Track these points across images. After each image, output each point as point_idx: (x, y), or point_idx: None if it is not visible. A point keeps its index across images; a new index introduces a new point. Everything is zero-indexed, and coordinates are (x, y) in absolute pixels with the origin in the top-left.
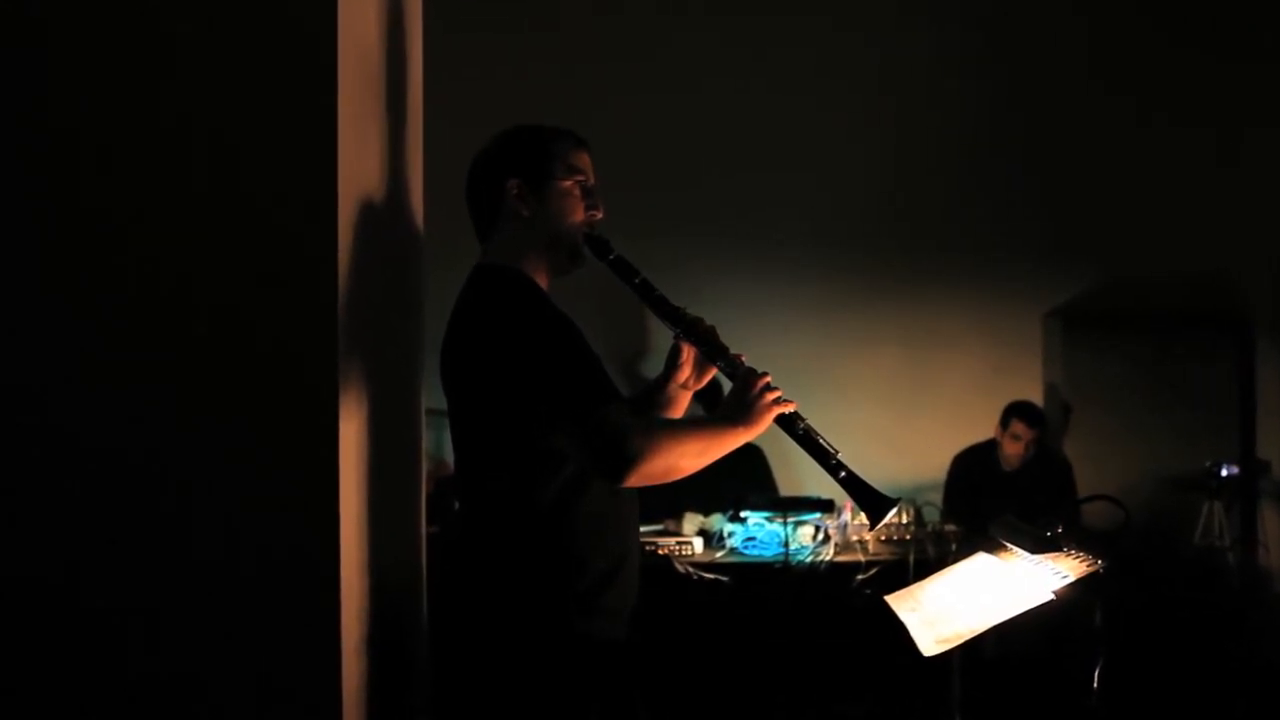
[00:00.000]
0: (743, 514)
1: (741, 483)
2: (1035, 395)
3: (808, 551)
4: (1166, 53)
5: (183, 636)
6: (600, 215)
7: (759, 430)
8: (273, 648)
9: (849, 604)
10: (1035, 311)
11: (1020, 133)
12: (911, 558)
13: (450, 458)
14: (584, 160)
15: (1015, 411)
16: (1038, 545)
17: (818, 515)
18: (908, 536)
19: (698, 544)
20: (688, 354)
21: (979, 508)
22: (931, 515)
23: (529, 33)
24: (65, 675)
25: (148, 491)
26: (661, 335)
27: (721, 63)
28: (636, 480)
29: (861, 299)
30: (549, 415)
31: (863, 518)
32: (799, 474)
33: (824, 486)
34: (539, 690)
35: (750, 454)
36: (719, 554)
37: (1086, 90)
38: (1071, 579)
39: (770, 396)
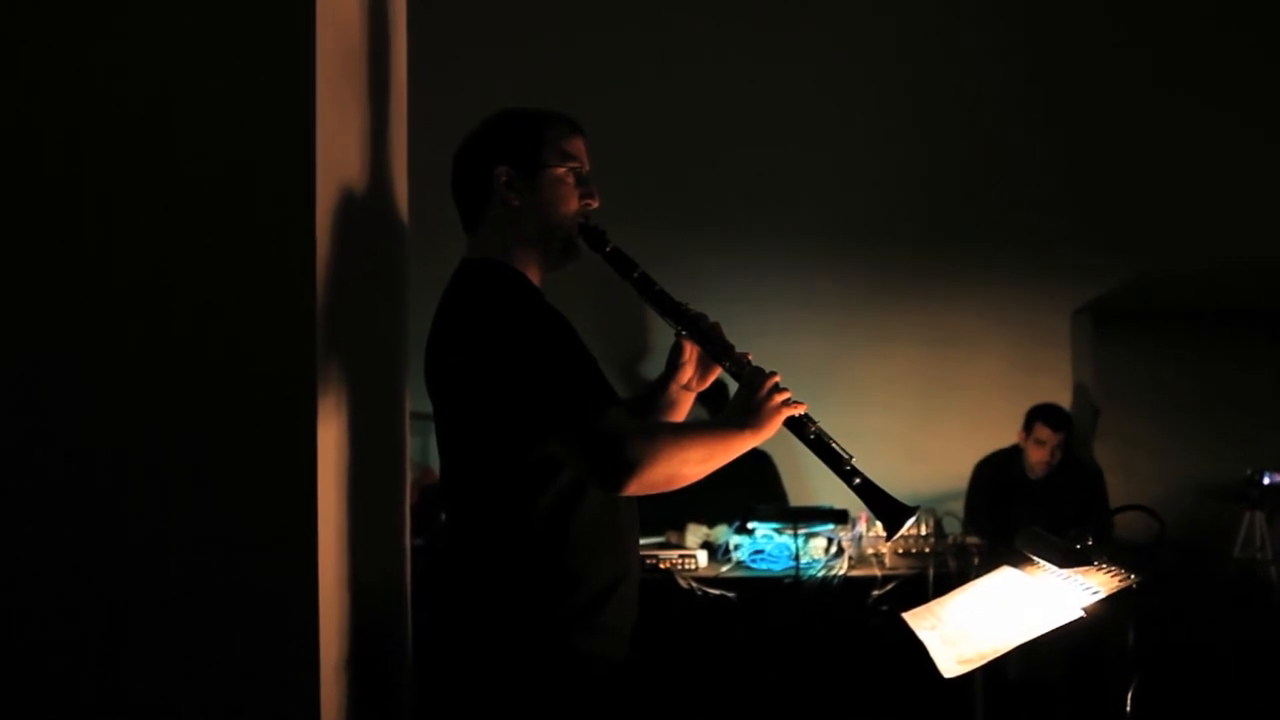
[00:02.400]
0: (750, 525)
1: (749, 491)
2: (1063, 397)
3: (820, 565)
4: (1205, 32)
5: (151, 655)
6: (596, 204)
7: (767, 434)
8: (248, 666)
9: (864, 622)
10: (1064, 307)
11: (1049, 117)
12: (931, 572)
13: (437, 465)
14: (578, 146)
15: (1038, 415)
16: (1066, 558)
17: (830, 526)
18: (927, 549)
19: (702, 557)
20: (690, 353)
21: (1003, 518)
22: (952, 526)
23: (521, 9)
24: (30, 694)
25: (112, 500)
26: (662, 333)
27: (729, 39)
28: (636, 489)
29: (877, 294)
30: (542, 420)
31: (879, 529)
32: (810, 482)
33: (837, 495)
34: (532, 713)
35: (758, 460)
36: (724, 568)
37: (1121, 71)
38: (1102, 595)
39: (779, 398)
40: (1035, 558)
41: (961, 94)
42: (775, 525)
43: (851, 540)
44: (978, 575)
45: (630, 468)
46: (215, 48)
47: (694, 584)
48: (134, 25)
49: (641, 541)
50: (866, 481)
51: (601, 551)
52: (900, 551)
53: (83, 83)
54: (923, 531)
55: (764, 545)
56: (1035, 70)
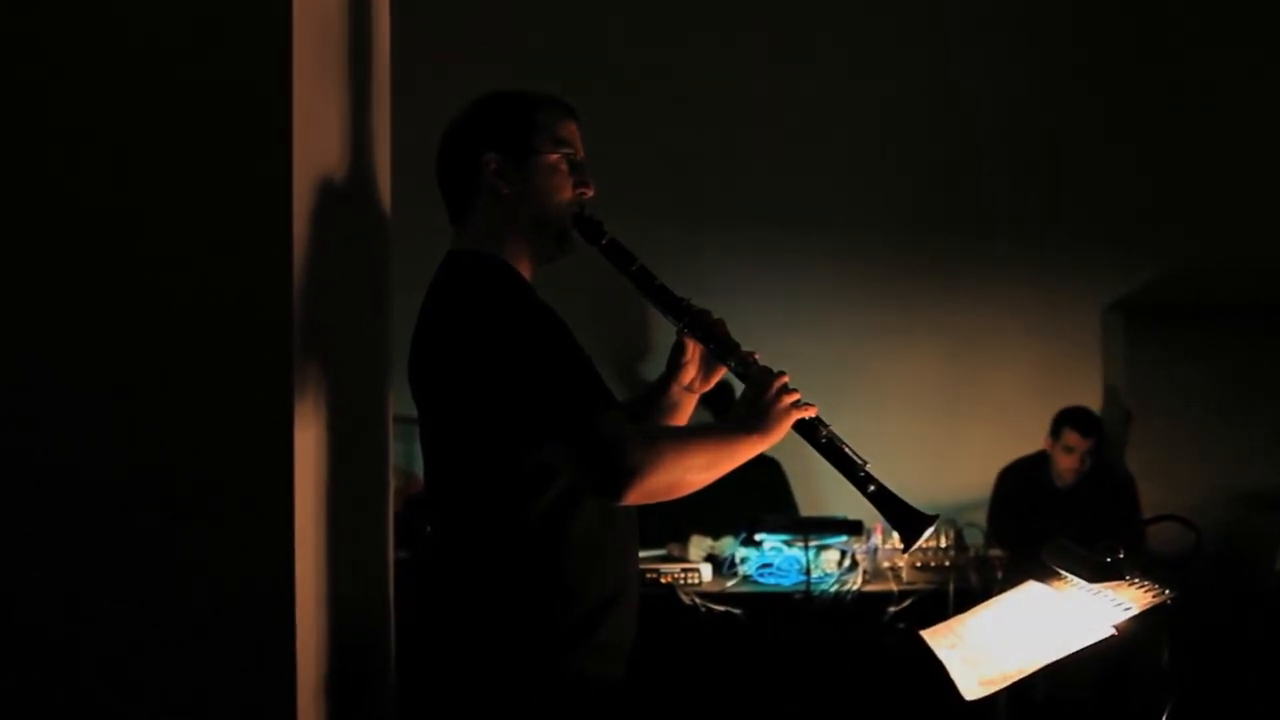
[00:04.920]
0: (758, 537)
1: (756, 500)
2: (1094, 400)
3: (832, 580)
4: (1248, 8)
5: (118, 673)
6: (591, 193)
7: (775, 438)
8: (220, 686)
9: (880, 640)
10: (1094, 305)
11: (1077, 100)
12: (951, 587)
13: (422, 471)
14: (572, 131)
15: (1066, 419)
16: (1096, 572)
17: (844, 538)
18: (947, 562)
19: (706, 571)
20: (693, 352)
21: (1029, 529)
22: (974, 537)
23: None
24: None
25: (77, 509)
26: (663, 332)
27: (734, 15)
28: (636, 497)
29: (895, 290)
30: (534, 424)
31: (895, 540)
32: (822, 490)
33: (851, 505)
34: None
35: (766, 467)
36: (730, 583)
37: (1154, 48)
38: (1135, 611)
39: (788, 399)
40: (1063, 571)
41: (984, 82)
42: (784, 537)
43: (866, 553)
44: (1001, 590)
45: (629, 475)
46: (187, 30)
47: (697, 600)
48: (105, 8)
49: (641, 554)
50: (882, 489)
51: (598, 564)
52: (918, 565)
53: (49, 69)
54: (943, 543)
55: (772, 558)
56: (1062, 56)
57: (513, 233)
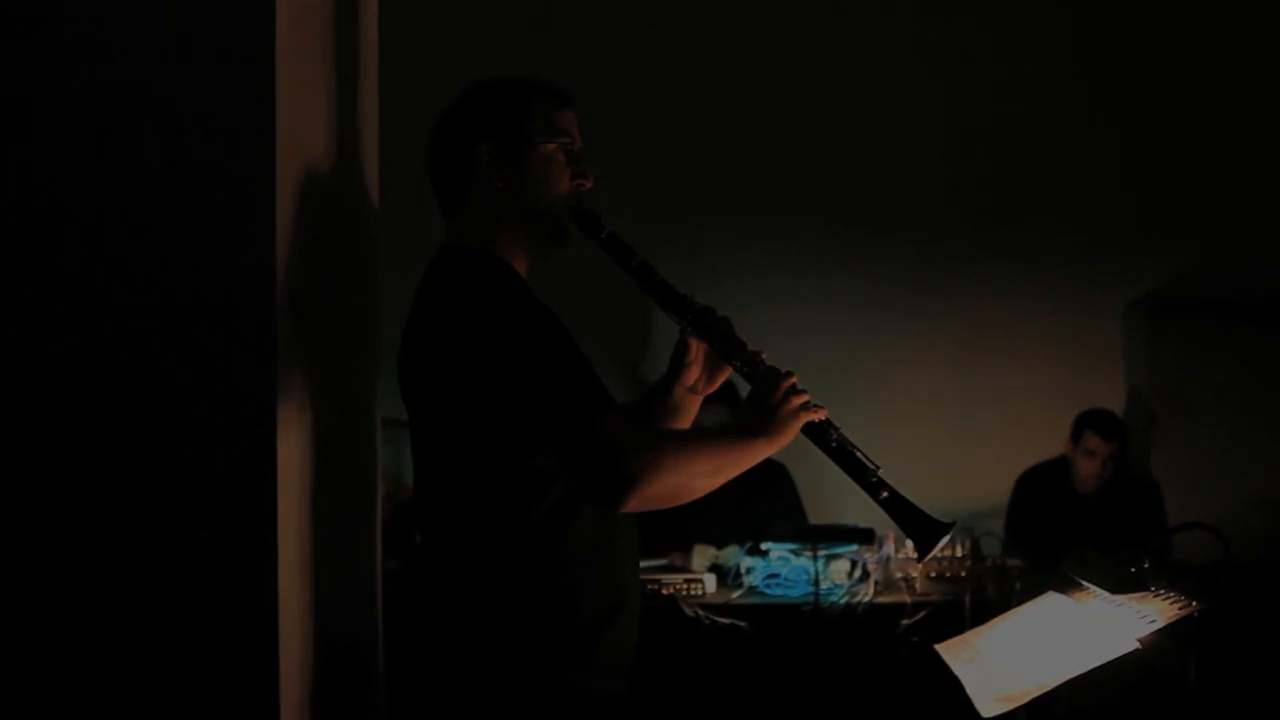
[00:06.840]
0: (764, 546)
1: (762, 507)
2: (1116, 403)
3: (842, 591)
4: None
5: (91, 690)
6: (589, 185)
7: (783, 442)
8: (201, 704)
9: (892, 654)
10: (1116, 301)
11: (1097, 85)
12: (967, 598)
13: (412, 478)
14: (569, 119)
15: (1087, 422)
16: (1119, 583)
17: (854, 547)
18: (963, 572)
19: (710, 582)
20: (696, 351)
21: (1048, 538)
22: (991, 547)
23: None
24: None
25: (49, 517)
26: (666, 331)
27: (740, 9)
28: (637, 504)
29: (908, 289)
30: (530, 428)
31: (909, 549)
32: (831, 496)
33: (862, 512)
34: None
35: (773, 472)
36: (735, 594)
37: (1181, 29)
38: (1160, 624)
39: (796, 401)
40: (1084, 582)
41: (1001, 78)
42: (792, 546)
43: (878, 562)
44: (1020, 602)
45: (630, 481)
46: (167, 17)
47: (701, 612)
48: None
49: (642, 564)
50: (895, 495)
51: (598, 575)
52: (933, 575)
53: (22, 58)
54: (958, 552)
55: (780, 568)
56: (1082, 37)
57: (507, 227)
